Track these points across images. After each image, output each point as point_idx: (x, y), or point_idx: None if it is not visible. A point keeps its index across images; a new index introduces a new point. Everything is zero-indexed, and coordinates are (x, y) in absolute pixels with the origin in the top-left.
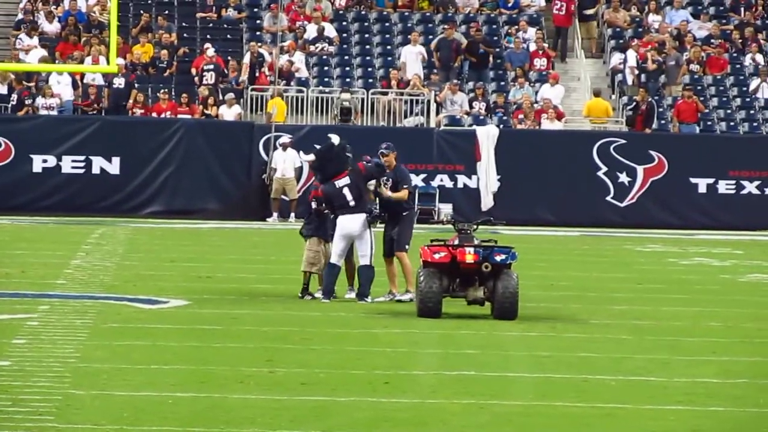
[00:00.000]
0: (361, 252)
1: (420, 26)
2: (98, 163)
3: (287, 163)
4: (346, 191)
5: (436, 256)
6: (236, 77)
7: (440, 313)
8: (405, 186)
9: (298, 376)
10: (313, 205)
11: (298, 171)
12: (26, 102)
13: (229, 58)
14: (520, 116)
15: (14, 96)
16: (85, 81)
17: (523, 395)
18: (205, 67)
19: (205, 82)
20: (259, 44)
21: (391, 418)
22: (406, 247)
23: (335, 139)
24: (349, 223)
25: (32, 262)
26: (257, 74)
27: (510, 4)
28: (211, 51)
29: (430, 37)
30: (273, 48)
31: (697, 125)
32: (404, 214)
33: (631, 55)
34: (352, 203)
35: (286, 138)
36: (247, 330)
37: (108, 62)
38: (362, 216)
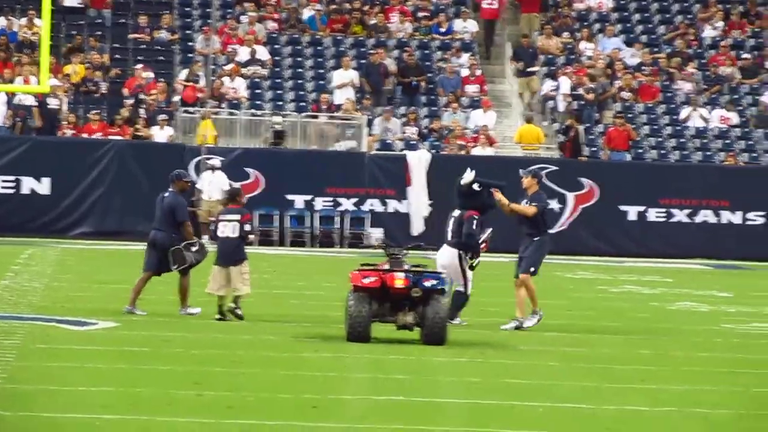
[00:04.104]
0: (457, 282)
1: (353, 50)
2: (28, 183)
3: (213, 186)
4: (450, 222)
5: (366, 280)
6: (168, 99)
7: (369, 337)
8: (534, 204)
9: (226, 399)
10: (247, 227)
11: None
12: None
13: (162, 79)
14: (451, 142)
15: None
16: (15, 101)
17: (452, 421)
18: (140, 87)
19: (141, 103)
20: (198, 64)
21: None
22: (531, 270)
23: (466, 178)
24: (440, 254)
25: None
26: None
27: (443, 30)
28: (148, 73)
29: (363, 61)
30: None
31: (629, 153)
32: (535, 239)
33: (564, 82)
34: (448, 236)
35: (215, 160)
36: (176, 352)
37: (39, 82)
38: (452, 251)
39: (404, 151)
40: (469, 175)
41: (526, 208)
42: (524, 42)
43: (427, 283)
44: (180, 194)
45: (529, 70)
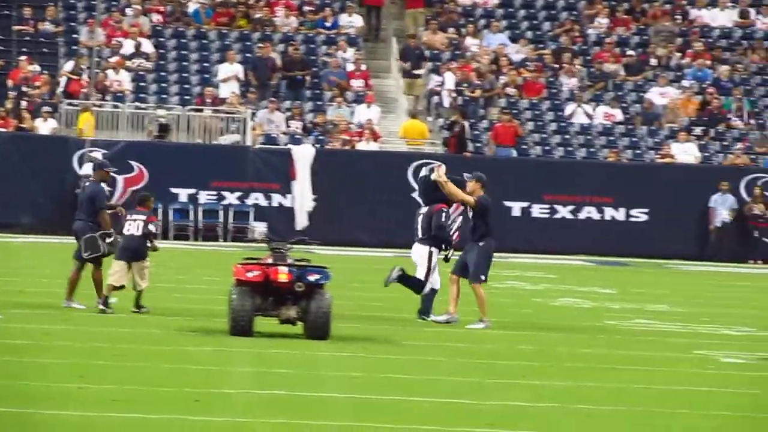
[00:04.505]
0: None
1: (238, 44)
2: None
3: None
4: (419, 219)
5: (249, 274)
6: (52, 91)
7: (252, 331)
8: (476, 199)
9: (110, 392)
10: (151, 227)
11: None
12: None
13: (46, 71)
14: (336, 136)
15: None
16: None
17: (335, 416)
18: (24, 79)
19: (25, 95)
20: (82, 57)
21: None
22: (482, 278)
23: (425, 170)
24: (413, 251)
25: None
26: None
27: (328, 24)
28: (33, 66)
29: (248, 55)
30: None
31: (515, 149)
32: (480, 243)
33: (449, 78)
34: (418, 233)
35: (96, 153)
36: (59, 345)
37: None
38: (423, 247)
39: (289, 146)
40: (428, 170)
41: (467, 196)
42: (411, 43)
43: (311, 278)
44: (101, 183)
45: (415, 72)
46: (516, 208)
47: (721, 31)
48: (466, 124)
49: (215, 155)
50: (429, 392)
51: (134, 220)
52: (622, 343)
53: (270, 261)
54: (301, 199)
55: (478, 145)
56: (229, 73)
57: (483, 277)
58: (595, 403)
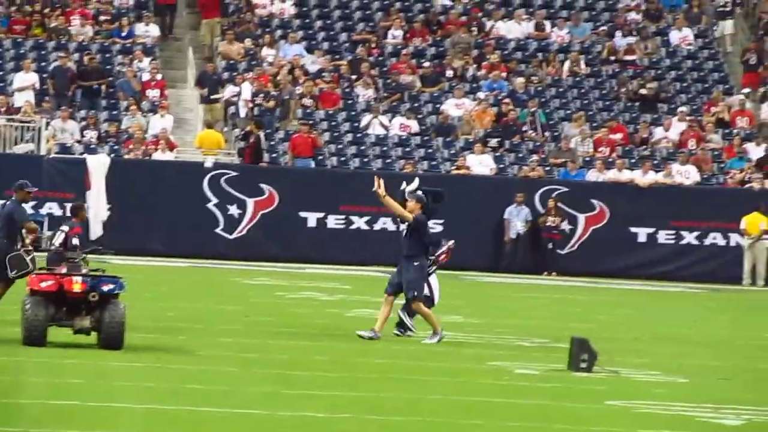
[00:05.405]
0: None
1: (33, 53)
2: None
3: None
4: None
5: (43, 284)
6: None
7: (45, 341)
8: (413, 216)
9: None
10: (75, 241)
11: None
12: None
13: None
14: (131, 146)
15: None
16: None
17: (128, 426)
18: None
19: None
20: None
21: None
22: (415, 294)
23: (411, 185)
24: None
25: None
26: None
27: (124, 34)
28: None
29: (43, 63)
30: None
31: (313, 160)
32: (415, 263)
33: (246, 88)
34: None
35: None
36: None
37: None
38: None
39: (84, 155)
40: (413, 183)
41: (405, 212)
42: (209, 68)
43: (105, 288)
44: (21, 203)
45: (213, 97)
46: (312, 218)
47: (516, 43)
48: (262, 134)
49: (8, 164)
50: (223, 403)
51: (62, 231)
52: (417, 354)
53: (64, 271)
54: (96, 208)
55: (274, 155)
56: (25, 82)
57: (415, 293)
58: (389, 414)
